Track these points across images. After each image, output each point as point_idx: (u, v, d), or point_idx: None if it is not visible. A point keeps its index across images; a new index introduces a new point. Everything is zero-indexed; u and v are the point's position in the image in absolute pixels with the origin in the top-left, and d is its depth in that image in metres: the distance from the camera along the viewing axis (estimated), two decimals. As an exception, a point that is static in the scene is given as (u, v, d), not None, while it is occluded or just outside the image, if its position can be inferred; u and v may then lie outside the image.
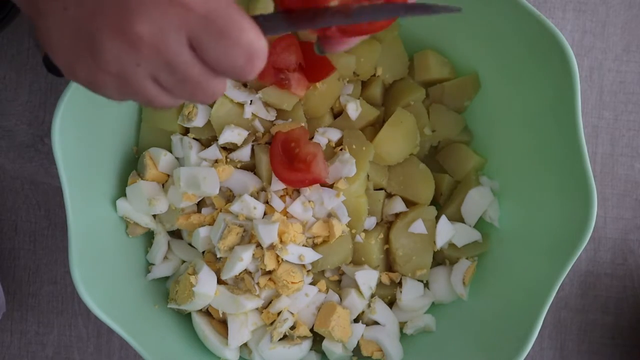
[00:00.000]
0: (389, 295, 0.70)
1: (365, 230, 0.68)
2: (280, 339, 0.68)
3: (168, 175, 0.69)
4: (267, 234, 0.63)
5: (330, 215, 0.67)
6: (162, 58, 0.41)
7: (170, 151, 0.68)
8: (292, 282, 0.65)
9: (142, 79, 0.42)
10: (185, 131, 0.69)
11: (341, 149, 0.67)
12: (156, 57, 0.41)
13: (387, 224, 0.70)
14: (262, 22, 0.43)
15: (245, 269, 0.65)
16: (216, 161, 0.67)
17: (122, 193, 0.68)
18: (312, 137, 0.67)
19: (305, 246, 0.66)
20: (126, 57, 0.41)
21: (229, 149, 0.68)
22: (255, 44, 0.41)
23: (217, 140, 0.66)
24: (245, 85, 0.67)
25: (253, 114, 0.66)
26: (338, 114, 0.70)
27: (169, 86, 0.43)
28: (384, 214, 0.70)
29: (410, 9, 0.45)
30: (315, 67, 0.65)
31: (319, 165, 0.63)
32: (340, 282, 0.70)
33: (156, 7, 0.40)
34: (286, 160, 0.64)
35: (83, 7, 0.41)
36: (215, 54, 0.41)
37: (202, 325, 0.68)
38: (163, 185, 0.69)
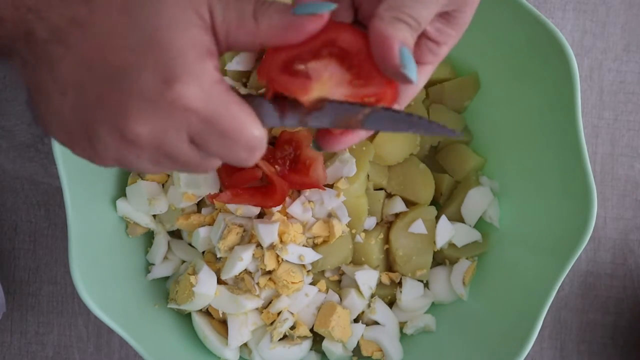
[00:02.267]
0: (389, 295, 0.70)
1: (365, 230, 0.68)
2: (280, 339, 0.68)
3: (168, 175, 0.69)
4: (267, 234, 0.63)
5: (330, 215, 0.67)
6: (162, 152, 0.41)
7: (170, 151, 0.68)
8: (292, 282, 0.65)
9: (141, 165, 0.42)
10: (185, 131, 0.69)
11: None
12: (156, 152, 0.41)
13: (387, 224, 0.70)
14: (258, 107, 0.43)
15: (245, 269, 0.65)
16: (216, 161, 0.67)
17: (122, 193, 0.68)
18: (313, 137, 0.67)
19: (306, 246, 0.66)
20: (125, 151, 0.41)
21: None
22: (255, 139, 0.41)
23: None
24: (245, 85, 0.67)
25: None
26: (338, 114, 0.70)
27: (170, 168, 0.43)
28: (384, 214, 0.70)
29: (412, 126, 0.43)
30: None
31: (317, 170, 0.63)
32: (340, 282, 0.70)
33: (156, 110, 0.39)
34: (289, 159, 0.65)
35: (83, 97, 0.40)
36: (216, 150, 0.41)
37: (202, 325, 0.68)
38: (163, 185, 0.69)
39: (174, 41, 0.39)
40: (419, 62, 0.46)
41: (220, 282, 0.66)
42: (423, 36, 0.45)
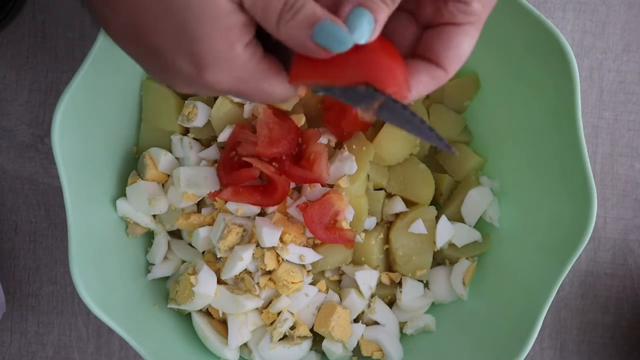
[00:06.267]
0: (389, 295, 0.70)
1: (365, 230, 0.68)
2: (280, 339, 0.68)
3: (168, 175, 0.69)
4: (269, 237, 0.63)
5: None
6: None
7: (170, 151, 0.68)
8: (292, 282, 0.65)
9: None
10: (185, 131, 0.69)
11: (340, 149, 0.67)
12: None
13: (387, 224, 0.70)
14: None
15: (245, 269, 0.65)
16: (216, 161, 0.67)
17: (122, 193, 0.68)
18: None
19: (306, 246, 0.66)
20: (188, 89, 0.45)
21: (229, 149, 0.68)
22: (285, 97, 0.45)
23: (217, 140, 0.66)
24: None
25: (253, 114, 0.66)
26: (338, 114, 0.70)
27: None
28: (384, 214, 0.70)
29: (414, 128, 0.44)
30: None
31: (320, 165, 0.63)
32: (340, 282, 0.70)
33: (193, 86, 0.44)
34: (292, 155, 0.65)
35: (138, 48, 0.43)
36: (255, 100, 0.46)
37: (202, 325, 0.68)
38: (163, 185, 0.69)
39: (204, 34, 0.41)
40: (451, 22, 0.44)
41: (220, 282, 0.66)
42: None
